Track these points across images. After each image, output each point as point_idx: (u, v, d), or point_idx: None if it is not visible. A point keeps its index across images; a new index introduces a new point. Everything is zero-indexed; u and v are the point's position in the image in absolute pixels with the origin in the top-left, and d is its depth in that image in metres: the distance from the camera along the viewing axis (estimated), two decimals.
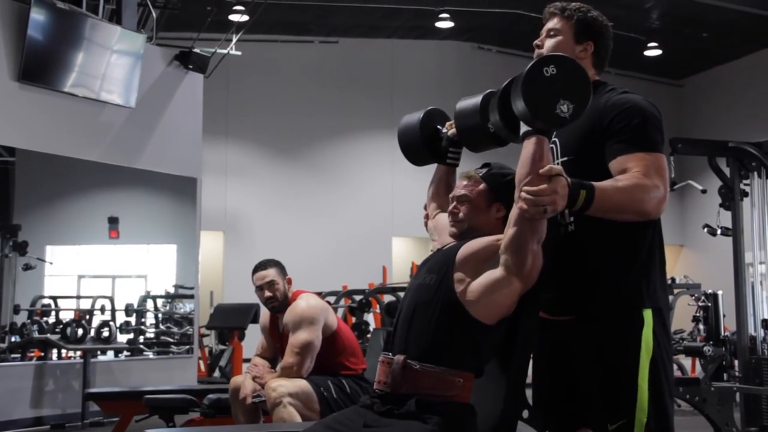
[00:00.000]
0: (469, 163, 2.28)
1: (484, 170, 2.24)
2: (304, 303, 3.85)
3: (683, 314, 8.09)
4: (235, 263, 10.92)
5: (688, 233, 12.85)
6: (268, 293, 3.90)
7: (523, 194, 1.88)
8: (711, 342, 6.50)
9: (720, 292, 6.97)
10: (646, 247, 2.06)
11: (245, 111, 11.66)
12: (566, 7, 2.21)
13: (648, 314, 2.03)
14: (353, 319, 8.16)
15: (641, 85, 12.20)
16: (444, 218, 2.31)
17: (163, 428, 4.35)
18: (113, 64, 6.78)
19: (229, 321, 7.68)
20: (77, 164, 6.78)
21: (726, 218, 5.43)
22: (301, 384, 3.65)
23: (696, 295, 7.31)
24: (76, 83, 6.58)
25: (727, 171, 5.31)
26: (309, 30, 11.75)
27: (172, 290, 8.14)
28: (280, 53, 11.87)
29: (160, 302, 8.14)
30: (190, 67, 7.53)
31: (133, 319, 7.75)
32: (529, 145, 1.94)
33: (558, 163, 2.09)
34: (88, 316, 7.28)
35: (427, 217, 2.50)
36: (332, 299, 8.20)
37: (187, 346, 7.67)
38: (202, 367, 8.42)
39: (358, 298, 8.38)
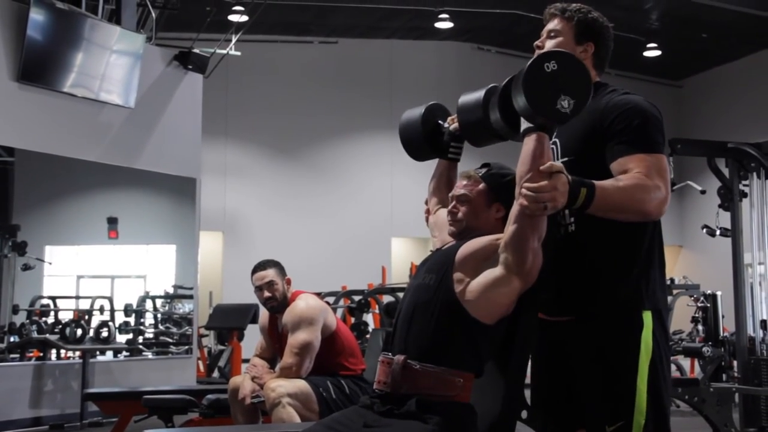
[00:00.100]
0: (469, 163, 2.28)
1: (484, 170, 2.24)
2: (303, 303, 3.85)
3: (682, 315, 8.09)
4: (234, 263, 10.92)
5: (687, 234, 12.86)
6: (267, 293, 3.90)
7: (524, 191, 1.88)
8: (710, 343, 6.50)
9: (719, 293, 6.97)
10: (645, 248, 2.06)
11: (244, 111, 11.66)
12: (567, 8, 2.21)
13: (648, 316, 2.03)
14: (352, 320, 8.16)
15: (640, 86, 12.21)
16: (445, 214, 2.31)
17: (162, 428, 4.35)
18: (112, 64, 6.78)
19: (228, 321, 7.68)
20: (76, 164, 6.78)
21: (725, 219, 5.43)
22: (300, 384, 3.65)
23: (695, 296, 7.31)
24: (75, 83, 6.58)
25: (726, 172, 5.31)
26: (308, 30, 11.76)
27: (171, 290, 8.14)
28: (279, 53, 11.87)
29: (159, 302, 8.13)
30: (190, 67, 7.53)
31: (132, 320, 7.75)
32: (529, 142, 1.94)
33: None
34: (87, 317, 7.27)
35: (428, 212, 2.50)
36: (331, 299, 8.20)
37: (186, 347, 7.66)
38: (201, 368, 8.42)
39: (357, 298, 8.37)
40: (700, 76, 13.46)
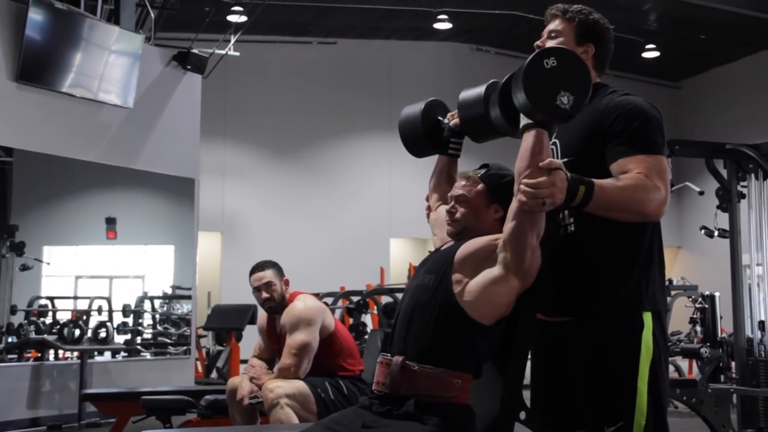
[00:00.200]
0: (469, 163, 2.28)
1: (483, 171, 2.24)
2: (301, 304, 3.85)
3: (680, 316, 8.09)
4: (232, 264, 10.91)
5: (686, 235, 12.87)
6: (265, 294, 3.90)
7: (522, 186, 1.88)
8: (708, 344, 6.51)
9: (717, 294, 6.98)
10: (645, 249, 2.06)
11: (243, 112, 11.66)
12: (568, 9, 2.21)
13: (648, 317, 2.03)
14: (351, 321, 8.16)
15: (639, 87, 12.21)
16: (445, 211, 2.31)
17: (160, 429, 4.35)
18: (111, 64, 6.78)
19: (227, 322, 7.68)
20: (75, 164, 6.78)
21: (723, 220, 5.43)
22: (299, 385, 3.65)
23: (693, 297, 7.32)
24: (74, 83, 6.58)
25: (724, 173, 5.31)
26: (307, 31, 11.75)
27: (169, 291, 8.14)
28: (278, 54, 11.87)
29: (157, 303, 8.13)
30: (188, 67, 7.53)
31: (130, 320, 7.74)
32: (528, 138, 1.95)
33: None
34: (85, 317, 7.27)
35: (429, 209, 2.50)
36: (330, 300, 8.20)
37: (185, 347, 7.66)
38: (200, 368, 8.42)
39: (355, 299, 8.37)
40: (699, 78, 13.47)
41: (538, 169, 1.87)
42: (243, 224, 11.58)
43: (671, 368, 8.01)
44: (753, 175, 5.26)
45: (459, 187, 2.23)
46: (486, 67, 12.14)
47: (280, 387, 3.59)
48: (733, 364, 5.73)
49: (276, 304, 3.90)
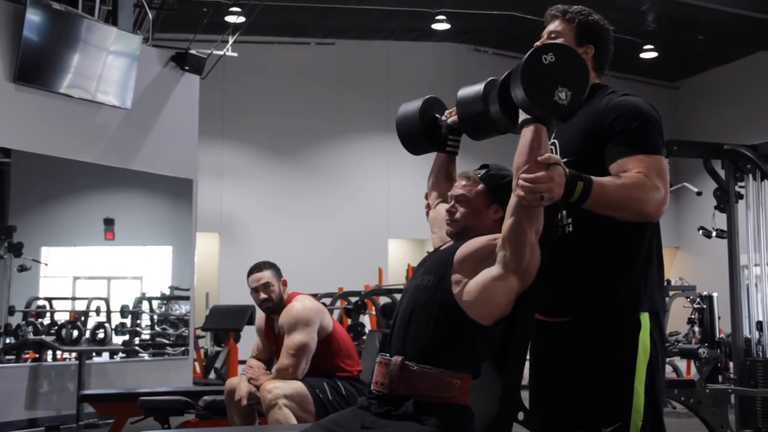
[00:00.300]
0: (468, 163, 2.28)
1: (483, 171, 2.24)
2: (299, 305, 3.84)
3: (678, 316, 8.10)
4: (230, 265, 10.90)
5: (684, 235, 12.88)
6: (263, 295, 3.90)
7: (520, 181, 1.89)
8: (706, 344, 6.52)
9: (715, 294, 6.98)
10: (644, 249, 2.06)
11: (241, 112, 11.65)
12: (568, 10, 2.21)
13: (645, 317, 2.03)
14: (349, 321, 8.15)
15: (637, 88, 12.20)
16: (444, 209, 2.30)
17: (159, 430, 4.35)
18: (109, 65, 6.78)
19: (225, 322, 7.67)
20: (73, 165, 6.77)
21: (721, 220, 5.43)
22: (297, 386, 3.65)
23: (691, 297, 7.33)
24: (71, 84, 6.58)
25: (722, 173, 5.31)
26: (305, 32, 11.75)
27: (167, 292, 8.14)
28: (276, 55, 11.86)
29: (155, 304, 8.13)
30: (186, 68, 7.53)
31: (128, 321, 7.74)
32: (527, 133, 1.95)
33: None
34: (83, 318, 7.27)
35: (428, 207, 2.49)
36: (328, 301, 8.19)
37: (183, 348, 7.66)
38: (198, 369, 8.41)
39: (353, 299, 8.37)
40: (697, 78, 13.48)
41: (537, 164, 1.88)
42: (241, 225, 11.57)
43: (669, 368, 8.02)
44: (751, 176, 5.26)
45: (459, 187, 2.23)
46: (484, 67, 12.14)
47: (278, 388, 3.59)
48: (731, 364, 5.74)
49: (274, 305, 3.90)
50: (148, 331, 7.92)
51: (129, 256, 8.12)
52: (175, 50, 7.67)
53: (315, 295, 4.36)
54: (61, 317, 7.11)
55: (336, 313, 8.27)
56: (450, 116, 2.41)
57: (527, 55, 1.93)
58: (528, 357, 2.18)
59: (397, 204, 11.71)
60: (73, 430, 6.14)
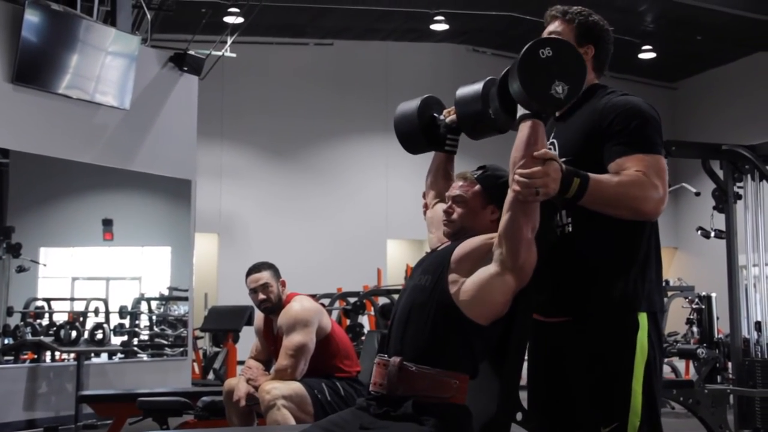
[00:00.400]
0: (464, 163, 2.28)
1: (480, 172, 2.25)
2: (298, 305, 3.84)
3: (677, 317, 8.10)
4: (229, 265, 10.90)
5: (682, 236, 12.89)
6: (261, 296, 3.90)
7: (516, 176, 1.89)
8: (704, 344, 6.51)
9: (713, 295, 6.98)
10: (643, 249, 2.06)
11: (240, 113, 11.65)
12: (568, 10, 2.22)
13: (643, 318, 2.03)
14: (347, 322, 8.15)
15: (635, 88, 12.21)
16: (441, 210, 2.31)
17: (157, 431, 4.35)
18: (108, 65, 6.78)
19: (224, 323, 7.67)
20: (71, 166, 6.77)
21: (720, 221, 5.43)
22: (295, 386, 3.65)
23: (690, 298, 7.33)
24: (70, 85, 6.57)
25: (720, 174, 5.31)
26: (304, 32, 11.75)
27: (166, 292, 8.13)
28: (274, 55, 11.87)
29: (154, 304, 8.12)
30: (185, 69, 7.53)
31: (127, 322, 7.73)
32: (524, 129, 1.95)
33: None
34: (81, 318, 7.26)
35: (426, 206, 2.49)
36: (326, 301, 8.20)
37: (182, 349, 7.66)
38: (197, 370, 8.41)
39: (352, 300, 8.37)
40: (695, 78, 13.49)
41: (533, 159, 1.88)
42: (240, 225, 11.57)
43: (668, 369, 8.02)
44: (749, 176, 5.26)
45: (456, 188, 2.24)
46: (483, 68, 12.10)
47: (276, 388, 3.59)
48: (729, 364, 5.73)
49: (272, 306, 3.90)
50: (147, 332, 7.91)
51: (128, 257, 8.11)
52: (173, 51, 7.67)
53: (313, 296, 4.36)
54: (60, 318, 7.09)
55: (335, 313, 8.27)
56: (448, 115, 2.41)
57: (525, 49, 1.94)
58: (526, 357, 2.18)
59: (396, 204, 11.71)
60: (72, 430, 6.13)
